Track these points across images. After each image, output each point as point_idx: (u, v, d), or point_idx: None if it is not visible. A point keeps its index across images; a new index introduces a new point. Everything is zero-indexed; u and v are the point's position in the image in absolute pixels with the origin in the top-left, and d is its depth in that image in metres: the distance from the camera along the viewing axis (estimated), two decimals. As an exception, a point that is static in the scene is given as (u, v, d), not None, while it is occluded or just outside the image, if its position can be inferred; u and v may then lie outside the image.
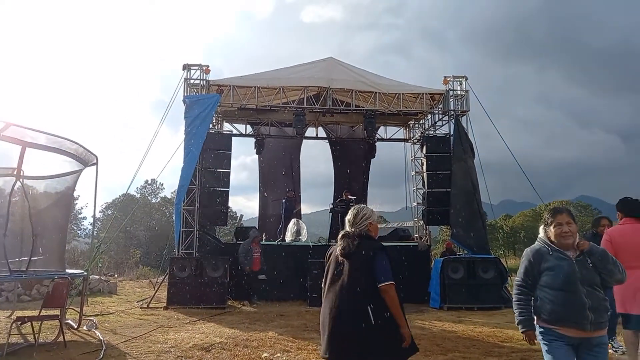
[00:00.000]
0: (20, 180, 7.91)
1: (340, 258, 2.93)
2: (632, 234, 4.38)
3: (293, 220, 12.10)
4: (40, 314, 6.40)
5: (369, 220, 3.00)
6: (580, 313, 2.72)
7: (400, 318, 2.76)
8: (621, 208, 4.64)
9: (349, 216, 3.08)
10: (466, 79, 12.63)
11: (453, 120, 12.45)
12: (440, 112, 13.15)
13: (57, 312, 6.52)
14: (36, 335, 6.02)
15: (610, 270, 2.81)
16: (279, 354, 5.57)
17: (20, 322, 6.42)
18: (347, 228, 3.03)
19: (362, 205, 3.13)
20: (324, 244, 11.67)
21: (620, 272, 2.83)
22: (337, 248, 2.98)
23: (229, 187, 11.83)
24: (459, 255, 11.81)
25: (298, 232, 11.83)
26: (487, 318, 8.61)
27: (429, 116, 13.75)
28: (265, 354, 5.55)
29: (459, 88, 12.69)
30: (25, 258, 7.70)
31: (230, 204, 12.45)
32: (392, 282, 2.77)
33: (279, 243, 11.44)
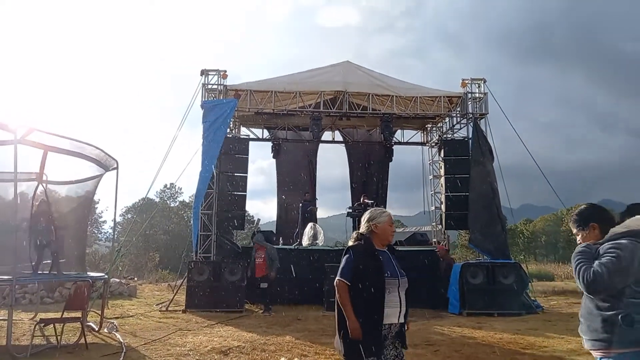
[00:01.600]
0: (43, 184, 8.10)
1: None
2: None
3: (310, 225, 12.10)
4: (63, 316, 6.52)
5: (372, 222, 3.16)
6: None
7: (345, 311, 2.92)
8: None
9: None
10: (485, 82, 12.49)
11: (471, 124, 12.32)
12: (458, 115, 13.03)
13: (78, 314, 6.63)
14: (58, 337, 6.13)
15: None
16: (296, 358, 5.56)
17: (43, 324, 6.54)
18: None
19: (372, 209, 3.31)
20: (340, 248, 11.63)
21: (577, 279, 2.33)
22: None
23: (246, 191, 11.92)
24: (478, 260, 11.66)
25: (315, 237, 11.81)
26: (507, 324, 8.45)
27: (447, 119, 13.64)
28: (282, 358, 5.55)
29: (477, 91, 12.56)
30: (48, 261, 7.87)
31: (247, 208, 12.54)
32: (339, 279, 2.96)
33: (296, 247, 11.45)
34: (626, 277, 2.25)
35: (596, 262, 2.29)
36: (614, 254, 2.26)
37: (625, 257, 2.24)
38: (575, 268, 2.34)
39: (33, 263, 7.60)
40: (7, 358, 5.46)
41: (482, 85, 12.51)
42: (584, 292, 2.33)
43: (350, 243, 3.20)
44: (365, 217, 3.23)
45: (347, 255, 3.05)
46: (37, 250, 7.70)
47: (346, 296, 2.94)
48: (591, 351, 2.34)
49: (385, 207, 14.81)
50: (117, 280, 13.43)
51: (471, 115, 12.36)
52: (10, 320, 5.81)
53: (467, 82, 12.54)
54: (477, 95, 12.52)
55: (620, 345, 2.19)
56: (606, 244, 2.35)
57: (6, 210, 8.10)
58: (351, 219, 13.09)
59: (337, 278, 2.98)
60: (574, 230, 2.59)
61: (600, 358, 2.29)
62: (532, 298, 10.81)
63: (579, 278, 2.31)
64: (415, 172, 14.95)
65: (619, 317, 2.20)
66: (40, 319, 6.83)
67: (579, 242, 2.55)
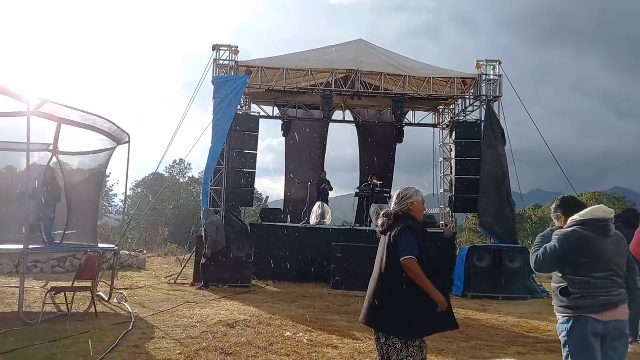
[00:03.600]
0: (56, 155, 8.18)
1: (379, 235, 3.14)
2: None
3: (318, 203, 12.12)
4: (73, 285, 6.66)
5: (409, 200, 3.09)
6: None
7: (428, 286, 2.82)
8: None
9: (393, 196, 3.23)
10: (500, 63, 12.24)
11: (484, 106, 12.14)
12: (471, 97, 12.83)
13: (89, 284, 6.77)
14: (69, 305, 6.28)
15: None
16: (301, 333, 5.64)
17: (54, 292, 6.68)
18: (391, 207, 3.19)
19: (408, 186, 3.20)
20: (347, 227, 11.67)
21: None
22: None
23: (255, 169, 11.92)
24: (485, 243, 11.64)
25: (322, 215, 11.84)
26: (512, 308, 8.48)
27: (459, 101, 13.44)
28: (287, 333, 5.63)
29: (491, 72, 12.32)
30: (60, 231, 8.00)
31: (255, 185, 12.56)
32: (412, 257, 2.83)
33: (303, 225, 11.50)
34: (561, 260, 2.79)
35: (547, 245, 2.86)
36: (554, 242, 2.82)
37: (562, 244, 2.78)
38: (531, 251, 2.97)
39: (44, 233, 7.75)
40: (19, 324, 5.61)
41: (497, 66, 12.26)
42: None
43: (380, 221, 3.11)
44: (401, 194, 3.12)
45: (407, 233, 2.92)
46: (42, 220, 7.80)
47: (421, 271, 2.83)
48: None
49: (391, 188, 14.80)
50: (127, 252, 13.64)
51: (484, 98, 12.16)
52: (22, 287, 5.95)
53: (481, 63, 12.29)
54: (491, 77, 12.30)
55: (564, 311, 2.81)
56: (556, 231, 2.91)
57: (18, 180, 8.22)
58: (359, 199, 13.11)
59: (406, 257, 2.84)
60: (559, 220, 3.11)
61: (559, 321, 2.88)
62: (538, 282, 10.82)
63: (530, 259, 2.96)
64: (425, 153, 14.82)
65: (558, 290, 2.83)
66: (52, 287, 6.98)
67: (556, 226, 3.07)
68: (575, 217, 2.87)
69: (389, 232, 3.02)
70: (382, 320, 2.97)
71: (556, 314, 2.92)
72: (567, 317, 2.80)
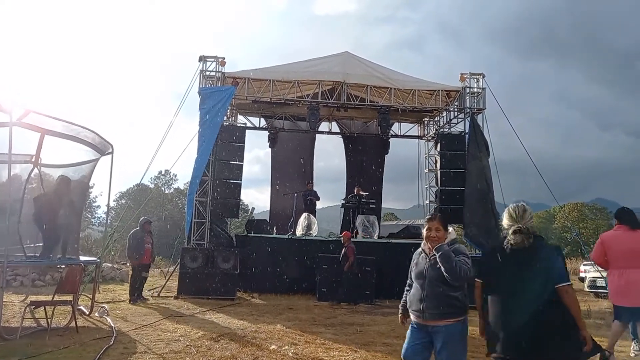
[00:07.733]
0: (38, 167, 8.03)
1: (509, 250, 2.96)
2: (624, 240, 5.07)
3: (304, 215, 12.10)
4: (54, 299, 6.50)
5: (533, 220, 3.05)
6: (417, 303, 3.23)
7: (579, 319, 2.82)
8: (618, 216, 5.32)
9: (514, 212, 3.01)
10: (483, 77, 12.48)
11: (469, 118, 12.32)
12: (455, 109, 13.02)
13: (70, 297, 6.61)
14: (49, 320, 6.12)
15: (446, 269, 3.11)
16: (286, 347, 5.58)
17: (34, 307, 6.53)
18: (517, 223, 2.95)
19: (524, 204, 3.07)
20: (334, 239, 11.66)
21: (455, 272, 3.07)
22: (509, 242, 2.95)
23: (241, 180, 11.89)
24: (470, 254, 11.71)
25: (309, 227, 11.82)
26: (498, 318, 8.51)
27: (444, 113, 13.64)
28: (273, 346, 5.57)
29: (475, 85, 12.55)
30: (41, 244, 7.82)
31: (242, 197, 12.51)
32: (571, 283, 2.85)
33: (290, 237, 11.46)
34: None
35: (466, 260, 3.16)
36: (468, 256, 3.23)
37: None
38: (454, 264, 3.09)
39: (24, 246, 7.57)
40: (-3, 339, 5.45)
41: (481, 80, 12.50)
42: (449, 280, 3.11)
43: (514, 240, 2.91)
44: (530, 212, 3.02)
45: (560, 256, 2.91)
46: (29, 233, 7.66)
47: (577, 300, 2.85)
48: (439, 321, 3.16)
49: (380, 199, 14.85)
50: (110, 265, 13.41)
51: (469, 110, 12.36)
52: (0, 301, 5.79)
53: (465, 76, 12.53)
54: (475, 90, 12.51)
55: (463, 313, 3.25)
56: (458, 246, 3.32)
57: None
58: (345, 210, 13.11)
59: (564, 283, 2.81)
60: (438, 226, 3.28)
61: (450, 324, 3.17)
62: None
63: (458, 272, 3.07)
64: (411, 165, 14.99)
65: (464, 295, 3.25)
66: (31, 301, 6.82)
67: (433, 235, 3.23)
68: (453, 236, 3.50)
69: (531, 254, 2.89)
70: (558, 353, 2.82)
71: (443, 321, 3.16)
72: (462, 319, 3.25)
